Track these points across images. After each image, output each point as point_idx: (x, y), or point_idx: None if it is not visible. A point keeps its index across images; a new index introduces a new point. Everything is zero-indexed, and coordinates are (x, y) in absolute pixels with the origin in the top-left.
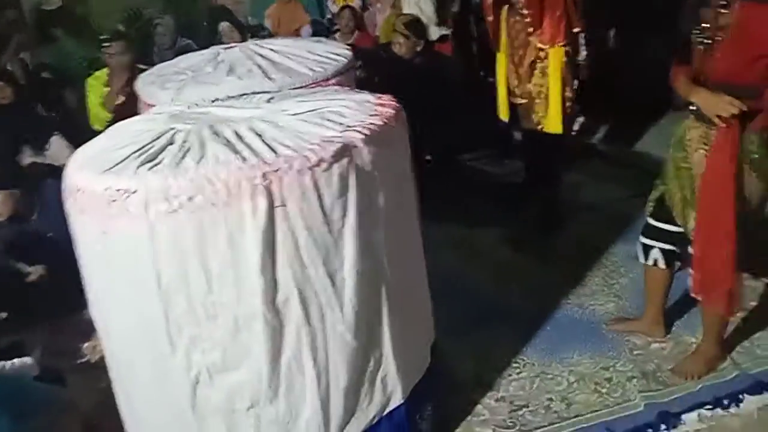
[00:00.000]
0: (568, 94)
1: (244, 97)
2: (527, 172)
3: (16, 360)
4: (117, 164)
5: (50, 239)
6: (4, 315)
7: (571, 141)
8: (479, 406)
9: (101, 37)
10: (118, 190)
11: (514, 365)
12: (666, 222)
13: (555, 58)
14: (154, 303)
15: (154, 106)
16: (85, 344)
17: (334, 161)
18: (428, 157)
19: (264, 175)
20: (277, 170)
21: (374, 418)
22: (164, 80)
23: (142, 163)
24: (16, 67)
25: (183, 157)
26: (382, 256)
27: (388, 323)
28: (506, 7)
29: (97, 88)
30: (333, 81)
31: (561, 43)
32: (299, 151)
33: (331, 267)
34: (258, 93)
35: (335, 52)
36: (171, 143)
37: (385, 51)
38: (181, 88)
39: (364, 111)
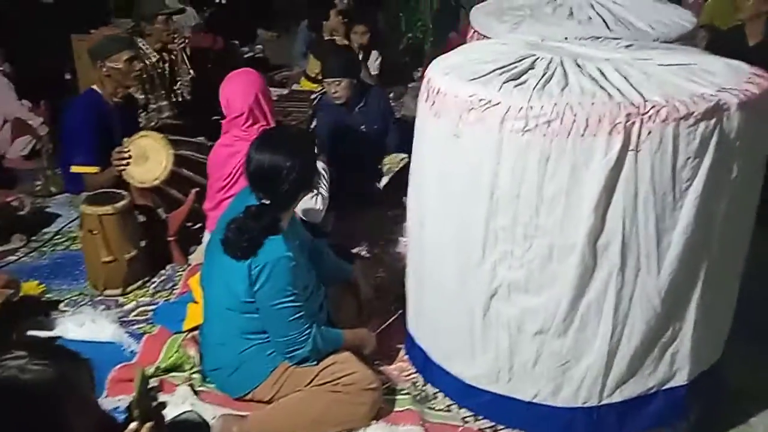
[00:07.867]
0: None
1: (600, 40)
2: None
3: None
4: (482, 76)
5: (360, 130)
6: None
7: None
8: (754, 419)
9: None
10: (481, 100)
11: None
12: None
13: None
14: (480, 211)
15: (485, 37)
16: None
17: (702, 119)
18: None
19: (628, 116)
20: (643, 114)
21: (652, 388)
22: (501, 13)
23: (507, 80)
24: None
25: (547, 82)
26: (716, 231)
27: (697, 301)
28: None
29: None
30: (674, 45)
31: None
32: (669, 100)
33: (662, 226)
34: (614, 39)
35: (680, 16)
36: (532, 68)
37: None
38: (518, 23)
39: (738, 76)
